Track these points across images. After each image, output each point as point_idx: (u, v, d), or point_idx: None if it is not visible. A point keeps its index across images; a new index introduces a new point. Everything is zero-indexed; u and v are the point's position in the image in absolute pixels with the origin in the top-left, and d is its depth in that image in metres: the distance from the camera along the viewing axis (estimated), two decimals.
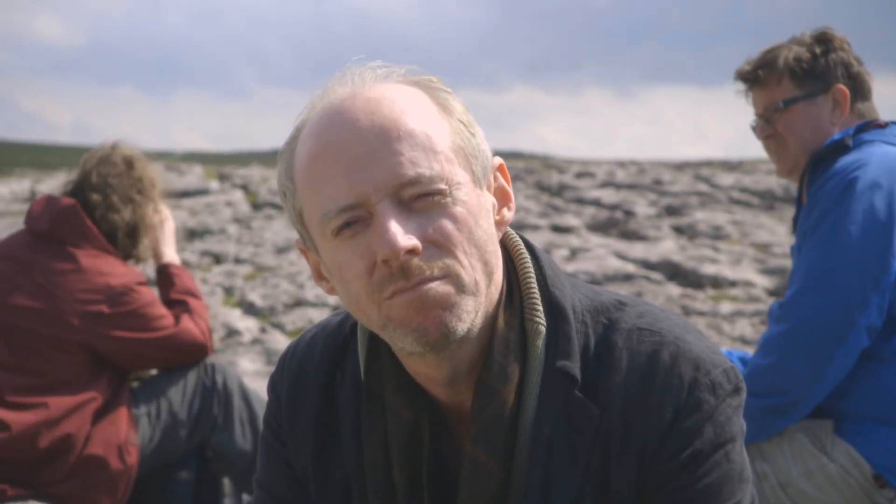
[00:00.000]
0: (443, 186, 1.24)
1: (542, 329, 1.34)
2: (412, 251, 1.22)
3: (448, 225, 1.24)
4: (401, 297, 1.24)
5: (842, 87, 2.71)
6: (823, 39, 2.76)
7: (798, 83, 2.74)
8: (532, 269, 1.39)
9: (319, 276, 1.38)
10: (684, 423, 1.27)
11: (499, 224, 1.35)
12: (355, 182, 1.24)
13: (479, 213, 1.28)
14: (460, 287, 1.25)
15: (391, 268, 1.23)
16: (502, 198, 1.37)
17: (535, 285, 1.37)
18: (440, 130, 1.28)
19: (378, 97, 1.28)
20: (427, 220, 1.24)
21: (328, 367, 1.48)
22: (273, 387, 1.56)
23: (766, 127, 2.80)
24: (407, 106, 1.27)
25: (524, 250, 1.42)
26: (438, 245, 1.24)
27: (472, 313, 1.26)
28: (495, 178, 1.37)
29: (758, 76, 2.80)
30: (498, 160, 1.38)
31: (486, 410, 1.31)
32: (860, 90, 2.75)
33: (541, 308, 1.35)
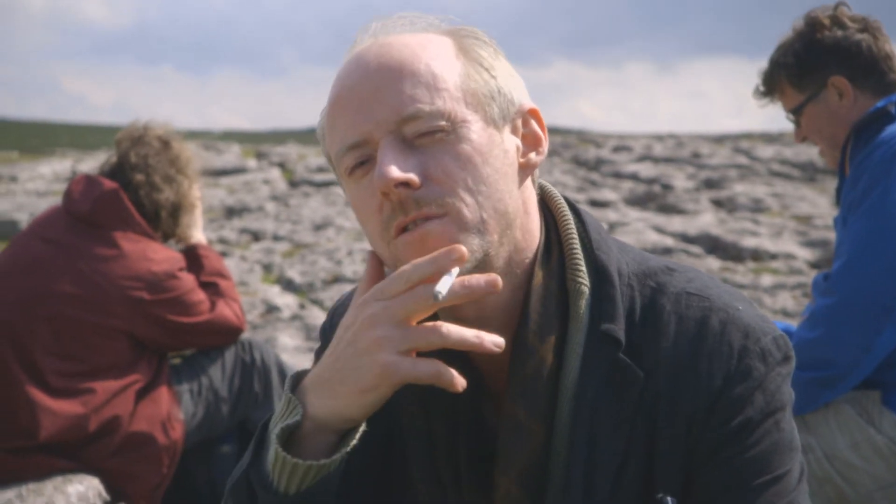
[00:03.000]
0: (443, 123, 1.24)
1: (585, 290, 1.32)
2: (407, 184, 1.22)
3: (450, 162, 1.24)
4: (403, 237, 1.24)
5: (836, 78, 2.67)
6: (808, 30, 2.72)
7: (798, 88, 2.75)
8: (575, 230, 1.37)
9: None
10: (734, 391, 1.26)
11: (524, 167, 1.34)
12: (360, 120, 1.26)
13: (488, 153, 1.27)
14: (462, 224, 1.23)
15: (391, 201, 1.24)
16: (532, 143, 1.36)
17: (577, 245, 1.36)
18: (449, 70, 1.28)
19: (391, 42, 1.30)
20: (428, 157, 1.24)
21: None
22: (323, 332, 1.58)
23: (798, 131, 2.84)
24: (418, 48, 1.29)
25: (567, 210, 1.40)
26: (439, 182, 1.23)
27: (477, 251, 1.24)
28: (525, 123, 1.35)
29: (765, 92, 2.85)
30: (530, 104, 1.36)
31: (525, 368, 1.29)
32: (863, 65, 2.68)
33: (584, 269, 1.34)
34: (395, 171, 1.21)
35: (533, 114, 1.37)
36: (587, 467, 1.27)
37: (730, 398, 1.26)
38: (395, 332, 1.15)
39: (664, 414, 1.27)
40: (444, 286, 1.13)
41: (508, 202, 1.28)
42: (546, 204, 1.42)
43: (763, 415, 1.27)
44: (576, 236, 1.37)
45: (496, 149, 1.28)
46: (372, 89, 1.26)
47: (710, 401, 1.26)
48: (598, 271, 1.34)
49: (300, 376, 1.29)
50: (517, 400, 1.30)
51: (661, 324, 1.30)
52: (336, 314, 1.56)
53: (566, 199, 1.43)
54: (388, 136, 1.24)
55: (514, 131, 1.33)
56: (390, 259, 1.29)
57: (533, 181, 1.38)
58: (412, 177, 1.22)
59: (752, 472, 1.26)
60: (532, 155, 1.35)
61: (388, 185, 1.21)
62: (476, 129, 1.26)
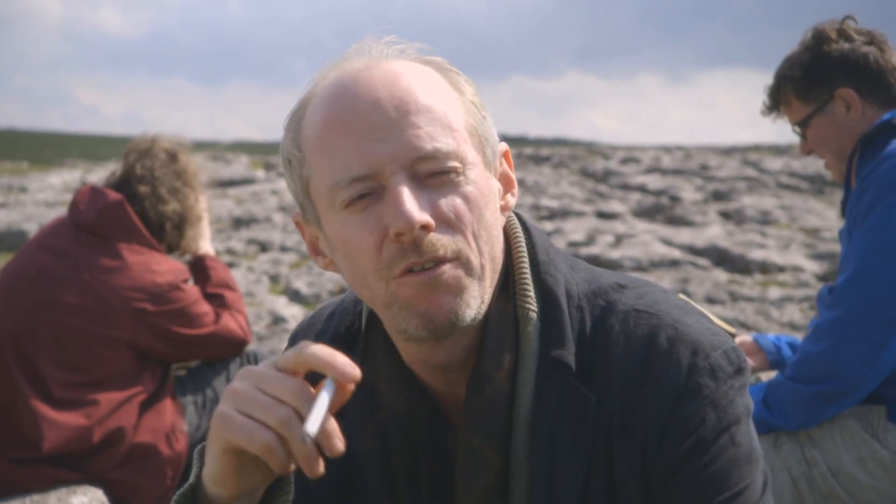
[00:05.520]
0: (457, 164, 1.22)
1: (533, 315, 1.31)
2: (426, 227, 1.19)
3: (461, 204, 1.22)
4: (411, 278, 1.21)
5: (843, 90, 2.65)
6: (815, 43, 2.71)
7: (804, 101, 2.73)
8: (526, 254, 1.36)
9: (316, 251, 1.35)
10: (685, 410, 1.23)
11: (503, 209, 1.33)
12: (371, 152, 1.20)
13: (488, 196, 1.26)
14: (469, 271, 1.23)
15: (403, 243, 1.19)
16: (506, 184, 1.35)
17: (527, 271, 1.34)
18: (456, 109, 1.26)
19: (396, 69, 1.25)
20: (440, 198, 1.21)
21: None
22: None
23: (804, 144, 2.82)
24: (425, 81, 1.25)
25: (521, 234, 1.38)
26: (450, 224, 1.21)
27: (478, 299, 1.24)
28: (500, 164, 1.35)
29: (772, 105, 2.84)
30: (504, 146, 1.35)
31: (479, 396, 1.28)
32: (870, 77, 2.66)
33: (532, 294, 1.32)
34: (418, 214, 1.17)
35: (505, 155, 1.36)
36: (549, 497, 1.26)
37: (681, 418, 1.23)
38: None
39: (619, 437, 1.25)
40: (314, 423, 1.03)
41: (496, 247, 1.28)
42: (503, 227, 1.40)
43: (716, 432, 1.24)
44: (526, 260, 1.35)
45: (491, 192, 1.28)
46: (384, 120, 1.20)
47: (661, 421, 1.24)
48: (546, 296, 1.32)
49: None
50: (472, 427, 1.28)
51: (610, 344, 1.28)
52: (298, 336, 1.53)
53: (518, 217, 1.41)
54: (400, 173, 1.20)
55: (495, 173, 1.33)
56: (383, 297, 1.24)
57: None
58: (431, 219, 1.19)
59: (712, 490, 1.23)
60: (508, 197, 1.35)
61: (409, 228, 1.17)
62: (478, 172, 1.25)
